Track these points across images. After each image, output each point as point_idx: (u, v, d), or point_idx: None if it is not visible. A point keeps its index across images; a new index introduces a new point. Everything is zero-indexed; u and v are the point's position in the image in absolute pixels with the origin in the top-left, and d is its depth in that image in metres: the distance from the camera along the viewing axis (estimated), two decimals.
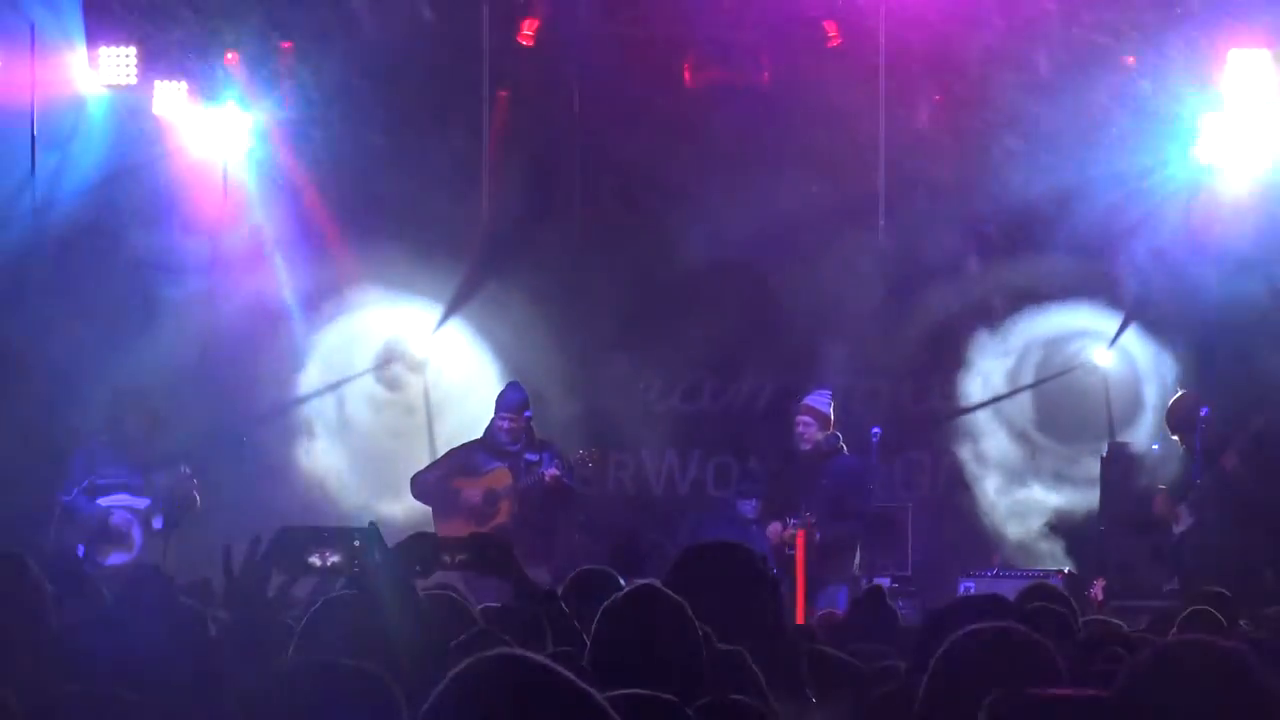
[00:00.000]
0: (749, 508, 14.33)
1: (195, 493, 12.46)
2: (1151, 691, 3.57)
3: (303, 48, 14.02)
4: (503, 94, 14.92)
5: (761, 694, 4.81)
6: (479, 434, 13.54)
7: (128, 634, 4.93)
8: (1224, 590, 8.31)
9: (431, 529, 11.84)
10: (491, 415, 13.12)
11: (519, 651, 3.01)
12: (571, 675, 2.96)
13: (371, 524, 4.66)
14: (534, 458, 12.88)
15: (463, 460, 13.14)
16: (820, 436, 12.91)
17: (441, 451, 13.80)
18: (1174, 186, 13.71)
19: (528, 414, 13.07)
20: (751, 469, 14.98)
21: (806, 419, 12.95)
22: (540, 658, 3.00)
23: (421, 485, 13.19)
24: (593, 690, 2.96)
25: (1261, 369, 13.37)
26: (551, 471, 12.71)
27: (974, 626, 4.11)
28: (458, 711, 2.93)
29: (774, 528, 12.87)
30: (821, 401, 13.10)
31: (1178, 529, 12.90)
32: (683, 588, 5.02)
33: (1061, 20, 13.62)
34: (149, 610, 5.60)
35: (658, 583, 4.91)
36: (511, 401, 13.05)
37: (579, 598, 5.91)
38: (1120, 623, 8.18)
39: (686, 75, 14.86)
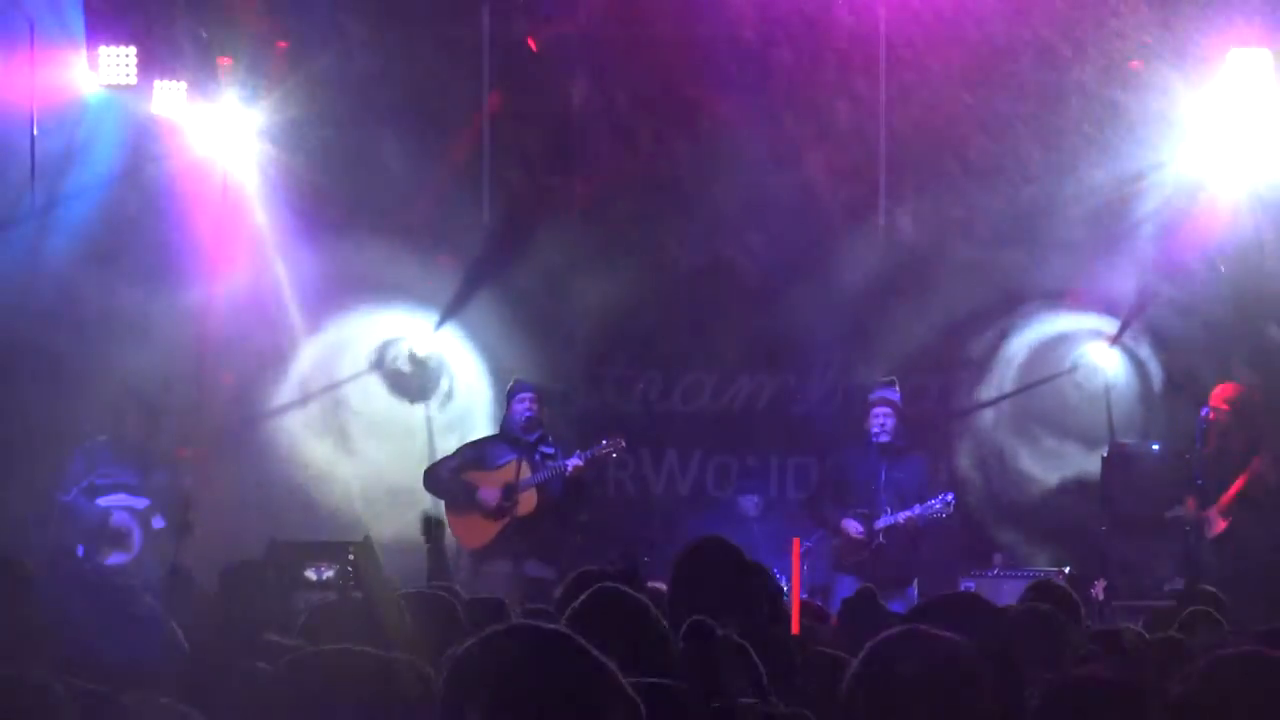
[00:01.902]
0: (750, 504, 14.35)
1: (187, 498, 12.43)
2: (1212, 699, 3.64)
3: (301, 48, 14.01)
4: (502, 94, 14.91)
5: (761, 688, 4.84)
6: (481, 434, 13.54)
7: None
8: (1252, 592, 8.25)
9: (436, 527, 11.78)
10: (506, 409, 13.08)
11: (533, 622, 3.02)
12: (583, 641, 2.97)
13: (367, 537, 4.65)
14: (550, 450, 12.84)
15: (477, 454, 13.01)
16: (896, 429, 12.98)
17: (440, 453, 13.78)
18: (1174, 186, 13.70)
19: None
20: (751, 467, 15.00)
21: (886, 410, 12.99)
22: (554, 626, 3.01)
23: (435, 479, 13.05)
24: (603, 657, 2.97)
25: (1262, 369, 13.36)
26: (575, 463, 12.63)
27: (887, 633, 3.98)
28: (474, 677, 2.93)
29: (851, 524, 12.81)
30: (895, 394, 13.12)
31: (1211, 534, 12.79)
32: (685, 581, 5.07)
33: (1061, 20, 13.62)
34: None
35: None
36: (527, 385, 13.03)
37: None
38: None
39: (686, 75, 14.84)
